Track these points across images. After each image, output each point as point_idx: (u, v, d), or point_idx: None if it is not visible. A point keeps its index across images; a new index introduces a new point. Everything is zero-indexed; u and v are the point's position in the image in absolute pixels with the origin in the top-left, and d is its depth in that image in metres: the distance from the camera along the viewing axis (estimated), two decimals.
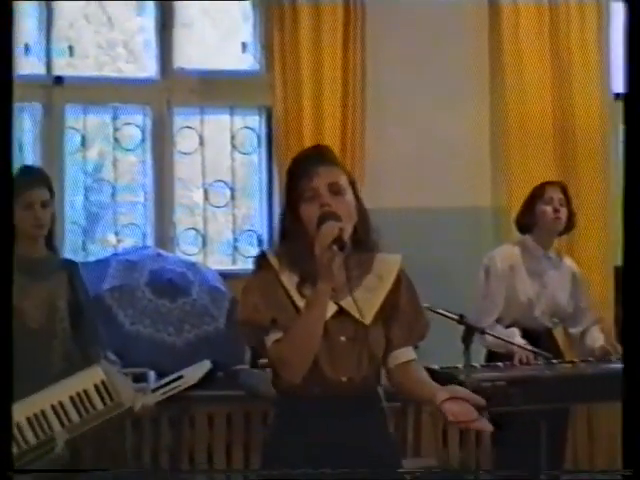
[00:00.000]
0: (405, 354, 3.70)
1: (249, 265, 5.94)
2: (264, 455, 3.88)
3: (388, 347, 3.71)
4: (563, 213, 6.32)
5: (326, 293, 3.48)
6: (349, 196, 3.61)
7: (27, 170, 5.71)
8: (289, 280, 3.63)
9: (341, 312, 3.60)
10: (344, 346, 3.63)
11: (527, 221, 6.37)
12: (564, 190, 6.40)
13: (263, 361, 5.40)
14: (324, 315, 3.50)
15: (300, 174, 3.64)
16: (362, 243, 3.65)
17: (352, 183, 3.69)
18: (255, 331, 3.64)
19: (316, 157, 3.72)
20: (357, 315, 3.60)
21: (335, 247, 3.38)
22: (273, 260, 3.67)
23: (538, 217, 6.29)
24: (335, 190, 3.56)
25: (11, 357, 3.33)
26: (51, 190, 5.52)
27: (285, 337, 3.52)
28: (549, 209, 6.27)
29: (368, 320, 3.62)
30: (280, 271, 3.64)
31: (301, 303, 3.57)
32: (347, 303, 3.58)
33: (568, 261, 6.64)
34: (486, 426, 3.52)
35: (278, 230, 3.77)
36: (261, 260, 3.74)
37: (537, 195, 6.37)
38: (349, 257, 3.54)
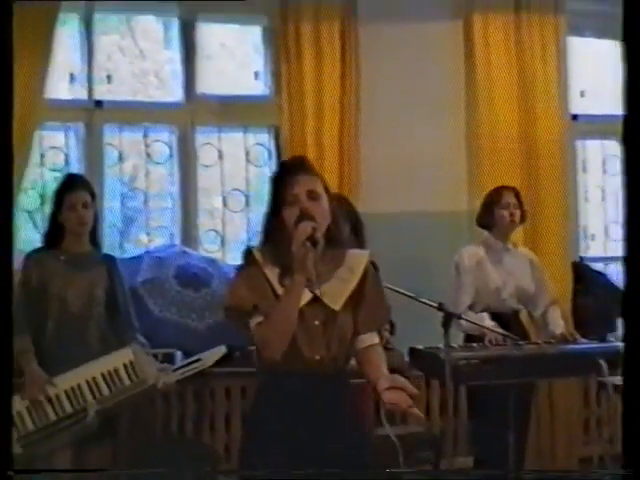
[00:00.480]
0: (369, 338, 3.79)
1: None
2: (249, 414, 4.03)
3: (355, 331, 3.77)
4: (517, 215, 6.45)
5: (301, 283, 3.58)
6: (324, 201, 3.71)
7: (70, 177, 5.84)
8: (271, 272, 3.71)
9: (315, 299, 3.65)
10: (317, 329, 3.69)
11: (487, 222, 6.47)
12: (517, 194, 6.51)
13: None
14: (299, 302, 3.59)
15: (283, 182, 3.73)
16: (335, 240, 3.75)
17: (326, 189, 3.78)
18: (239, 315, 3.70)
19: (296, 167, 3.81)
20: (328, 302, 3.68)
21: (308, 244, 3.49)
22: (258, 255, 3.76)
23: (497, 220, 6.39)
24: (313, 196, 3.67)
25: (11, 358, 3.18)
26: (92, 193, 5.62)
27: (266, 320, 3.61)
28: (506, 214, 6.40)
29: (338, 306, 3.72)
30: (263, 265, 3.73)
31: (281, 292, 3.64)
32: (320, 292, 3.64)
33: (525, 250, 6.77)
34: (418, 414, 3.68)
35: (263, 230, 3.84)
36: (248, 255, 3.81)
37: (495, 201, 6.46)
38: (325, 252, 3.66)
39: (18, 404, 5.39)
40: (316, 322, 3.69)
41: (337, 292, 3.75)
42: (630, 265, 3.20)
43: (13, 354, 3.27)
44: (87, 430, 5.50)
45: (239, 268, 3.87)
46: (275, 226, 3.74)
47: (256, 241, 3.92)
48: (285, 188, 3.71)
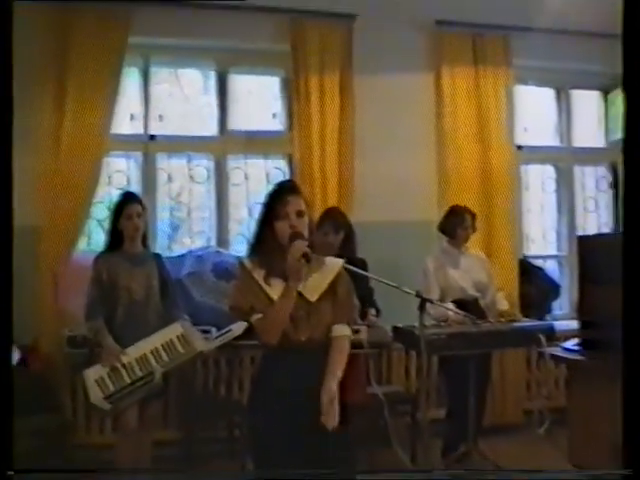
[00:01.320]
0: (339, 329, 3.79)
1: None
2: (256, 378, 4.01)
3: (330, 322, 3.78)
4: (471, 231, 6.53)
5: (295, 289, 3.61)
6: (306, 217, 3.71)
7: (127, 194, 5.89)
8: (259, 275, 3.70)
9: (299, 295, 3.65)
10: (302, 317, 3.70)
11: (449, 233, 6.50)
12: (473, 216, 6.58)
13: None
14: (292, 303, 3.61)
15: (276, 200, 3.73)
16: (315, 249, 3.70)
17: (307, 207, 3.78)
18: (240, 314, 3.74)
19: (288, 189, 3.81)
20: (307, 295, 3.71)
21: (303, 260, 3.53)
22: (247, 263, 3.76)
23: (457, 235, 6.43)
24: (299, 214, 3.68)
25: (11, 359, 3.06)
26: (143, 206, 5.66)
27: (265, 317, 3.63)
28: (464, 233, 6.50)
29: (314, 299, 3.74)
30: (252, 270, 3.72)
31: (268, 289, 3.67)
32: (302, 288, 3.67)
33: (476, 251, 6.80)
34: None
35: (254, 238, 3.82)
36: (240, 265, 3.83)
37: (458, 222, 6.51)
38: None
39: (100, 370, 5.47)
40: (300, 312, 3.69)
41: (314, 288, 3.75)
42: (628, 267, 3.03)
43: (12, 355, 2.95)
44: (154, 389, 5.56)
45: (235, 277, 3.97)
46: (265, 235, 3.73)
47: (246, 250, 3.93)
48: (278, 205, 3.70)
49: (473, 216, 6.53)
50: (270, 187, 3.90)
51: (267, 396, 3.78)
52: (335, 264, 3.85)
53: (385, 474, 3.75)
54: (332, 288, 3.81)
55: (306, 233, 3.67)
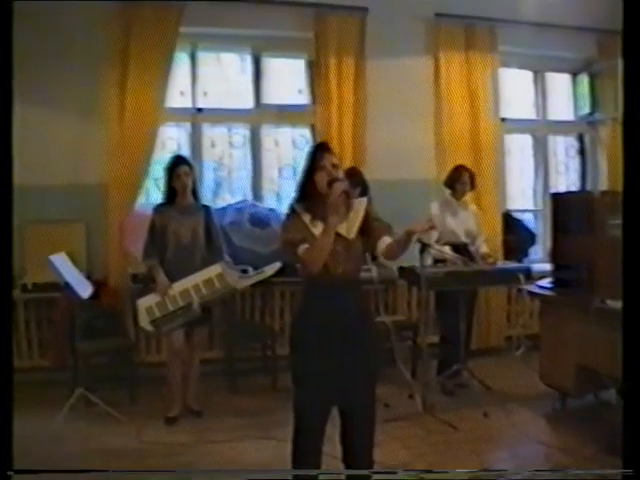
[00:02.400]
0: (386, 240, 3.79)
1: None
2: (300, 308, 3.94)
3: (374, 240, 3.83)
4: (468, 186, 6.50)
5: (336, 224, 3.64)
6: (341, 170, 3.77)
7: (176, 157, 5.88)
8: (306, 218, 3.75)
9: (337, 234, 3.68)
10: (340, 253, 3.72)
11: (450, 187, 6.46)
12: (470, 173, 6.55)
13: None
14: (333, 236, 3.62)
15: (315, 156, 3.78)
16: (347, 193, 3.73)
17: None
18: (291, 246, 3.71)
19: (324, 147, 3.86)
20: (346, 234, 3.76)
21: (344, 196, 3.64)
22: (297, 207, 3.80)
23: (456, 188, 6.37)
24: (334, 166, 3.72)
25: (11, 360, 2.80)
26: (190, 167, 5.70)
27: (310, 248, 3.64)
28: (461, 187, 6.46)
29: (351, 236, 3.77)
30: (300, 213, 3.77)
31: (313, 229, 3.71)
32: (341, 228, 3.72)
33: (472, 206, 6.73)
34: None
35: (298, 190, 3.84)
36: (291, 209, 3.85)
37: (455, 177, 6.50)
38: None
39: (150, 300, 5.61)
40: (338, 248, 3.71)
41: (350, 227, 3.80)
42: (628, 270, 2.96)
43: (12, 356, 2.86)
44: (193, 316, 5.62)
45: (286, 218, 3.91)
46: (308, 186, 3.77)
47: (293, 197, 3.96)
48: (317, 160, 3.76)
49: (471, 174, 6.53)
50: (299, 151, 3.96)
51: (308, 322, 3.82)
52: (362, 203, 3.88)
53: (386, 474, 3.75)
54: (365, 223, 3.84)
55: (343, 181, 3.71)
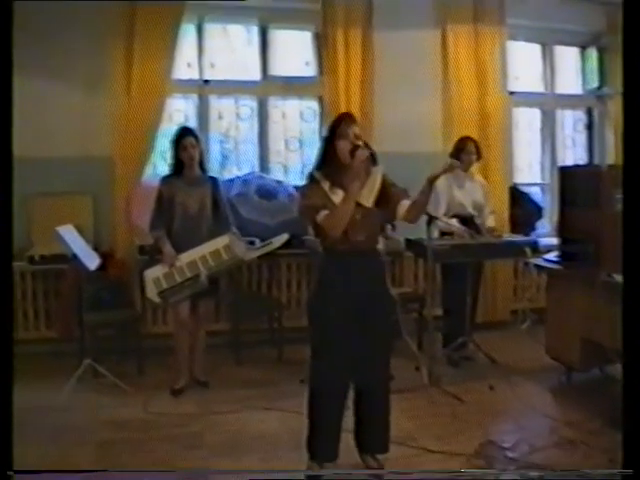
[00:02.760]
0: (405, 203, 3.89)
1: None
2: (319, 279, 3.99)
3: (394, 205, 3.91)
4: (474, 157, 6.43)
5: (358, 189, 3.76)
6: (362, 140, 3.82)
7: (183, 128, 5.84)
8: (325, 185, 3.83)
9: (357, 202, 3.77)
10: (358, 221, 3.80)
11: (456, 158, 6.37)
12: (476, 144, 6.47)
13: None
14: (354, 202, 3.73)
15: (340, 124, 3.85)
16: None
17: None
18: (311, 211, 3.79)
19: (348, 117, 3.93)
20: (364, 202, 3.83)
21: (368, 161, 3.75)
22: (317, 175, 3.88)
23: (462, 159, 6.28)
24: (357, 136, 3.80)
25: (11, 360, 2.76)
26: (197, 138, 5.66)
27: (331, 214, 3.72)
28: (467, 158, 6.35)
29: (369, 204, 3.86)
30: (320, 180, 3.85)
31: (332, 196, 3.80)
32: (360, 196, 3.81)
33: (479, 178, 6.68)
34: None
35: (319, 156, 3.92)
36: (310, 176, 3.93)
37: (461, 147, 6.42)
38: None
39: (157, 271, 5.60)
40: (357, 216, 3.80)
41: (367, 196, 3.88)
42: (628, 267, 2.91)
43: (12, 357, 2.82)
44: (200, 288, 5.61)
45: (307, 183, 3.97)
46: (329, 154, 3.85)
47: (308, 170, 3.99)
48: (341, 128, 3.84)
49: (476, 144, 6.46)
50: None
51: (327, 291, 3.89)
52: (378, 171, 3.94)
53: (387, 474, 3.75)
54: (383, 190, 3.92)
55: (366, 150, 3.77)
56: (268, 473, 3.84)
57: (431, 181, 3.80)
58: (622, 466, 2.77)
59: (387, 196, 3.92)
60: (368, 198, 3.88)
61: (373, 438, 4.16)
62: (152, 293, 5.59)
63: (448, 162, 3.92)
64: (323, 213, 3.75)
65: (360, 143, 3.77)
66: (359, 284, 3.86)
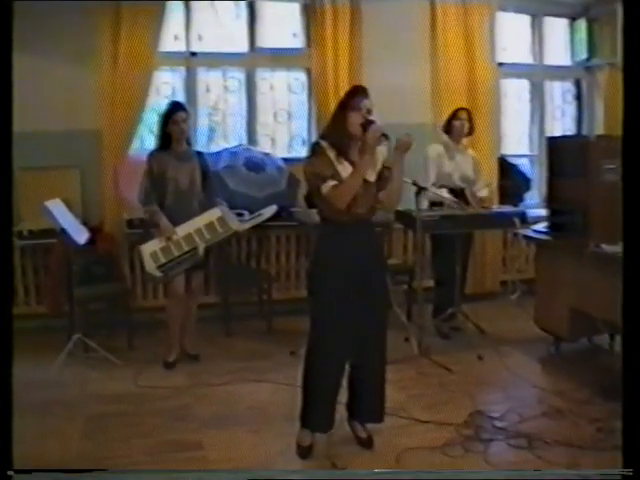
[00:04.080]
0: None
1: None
2: (318, 250, 4.03)
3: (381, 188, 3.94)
4: (466, 126, 6.36)
5: (370, 162, 3.79)
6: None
7: (175, 103, 5.77)
8: (331, 154, 3.80)
9: None
10: (360, 194, 3.81)
11: (447, 129, 6.38)
12: (468, 113, 6.40)
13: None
14: (364, 175, 3.79)
15: (354, 97, 3.86)
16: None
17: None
18: (317, 179, 3.78)
19: (362, 91, 3.91)
20: (368, 178, 3.86)
21: (382, 138, 3.75)
22: (323, 144, 3.85)
23: (453, 128, 6.29)
24: (369, 110, 3.82)
25: (11, 360, 2.72)
26: (187, 113, 5.61)
27: (339, 185, 3.75)
28: (459, 124, 6.30)
29: (373, 179, 3.89)
30: (326, 148, 3.82)
31: (338, 166, 3.79)
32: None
33: (471, 151, 6.61)
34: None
35: (328, 125, 3.95)
36: (316, 145, 3.89)
37: (454, 117, 6.37)
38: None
39: (153, 245, 5.55)
40: (360, 190, 3.81)
41: (372, 171, 3.91)
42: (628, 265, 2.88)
43: (12, 358, 2.77)
44: (197, 261, 5.63)
45: (312, 152, 3.93)
46: (339, 124, 3.84)
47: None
48: (354, 100, 3.84)
49: (469, 113, 6.42)
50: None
51: (327, 263, 3.90)
52: (382, 150, 3.95)
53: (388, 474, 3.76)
54: (381, 169, 3.96)
55: (381, 126, 3.77)
56: (268, 473, 3.84)
57: (389, 167, 3.89)
58: (622, 466, 2.76)
59: (382, 175, 3.96)
60: (372, 174, 3.90)
61: (369, 408, 4.17)
62: (151, 268, 5.52)
63: (398, 139, 3.89)
64: (330, 183, 3.75)
65: (372, 118, 3.77)
66: (358, 255, 3.88)
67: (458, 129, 6.33)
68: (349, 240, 3.87)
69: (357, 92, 3.89)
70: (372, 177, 3.90)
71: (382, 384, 4.16)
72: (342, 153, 3.82)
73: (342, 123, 3.82)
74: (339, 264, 3.85)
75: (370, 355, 4.08)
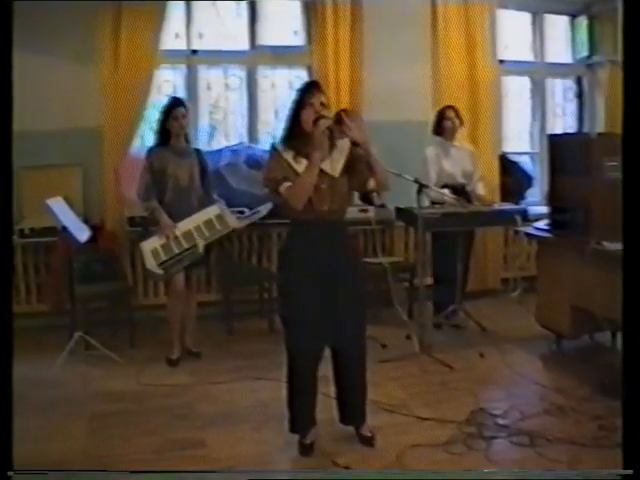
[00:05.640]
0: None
1: None
2: (284, 249, 4.08)
3: (365, 179, 3.89)
4: (456, 123, 6.40)
5: (319, 158, 3.71)
6: (328, 109, 3.83)
7: (174, 99, 5.79)
8: (288, 155, 3.80)
9: (322, 171, 3.74)
10: (324, 190, 3.79)
11: (438, 131, 6.44)
12: (455, 110, 6.44)
13: None
14: (316, 172, 3.70)
15: (304, 94, 3.82)
16: (332, 133, 3.81)
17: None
18: (273, 183, 3.78)
19: (313, 86, 3.88)
20: (330, 171, 3.82)
21: (327, 131, 3.71)
22: (279, 146, 3.87)
23: (446, 129, 6.34)
24: (322, 105, 3.76)
25: (11, 361, 2.68)
26: (187, 109, 5.63)
27: (294, 184, 3.71)
28: (449, 123, 6.36)
29: (337, 174, 3.84)
30: (282, 151, 3.83)
31: (296, 166, 3.77)
32: (325, 165, 3.79)
33: (466, 144, 6.67)
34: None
35: (285, 127, 3.89)
36: (272, 148, 3.94)
37: (441, 116, 6.41)
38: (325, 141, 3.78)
39: (154, 242, 5.56)
40: (323, 186, 3.79)
41: (334, 165, 3.85)
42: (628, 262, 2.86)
43: (12, 359, 2.73)
44: (197, 258, 5.64)
45: (268, 157, 3.98)
46: (294, 123, 3.82)
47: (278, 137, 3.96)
48: (305, 97, 3.80)
49: (456, 111, 6.43)
50: (295, 91, 3.94)
51: (294, 262, 3.87)
52: (345, 143, 3.88)
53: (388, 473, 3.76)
54: (351, 161, 3.88)
55: (329, 119, 3.74)
56: (268, 473, 3.84)
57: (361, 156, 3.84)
58: (623, 464, 2.73)
59: (355, 168, 3.88)
60: (334, 167, 3.85)
61: (350, 410, 4.17)
62: (152, 265, 5.53)
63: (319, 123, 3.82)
64: (286, 184, 3.73)
65: (325, 112, 3.74)
66: (324, 254, 3.82)
67: (450, 129, 6.38)
68: (315, 239, 3.82)
69: (308, 88, 3.86)
70: (335, 172, 3.85)
71: (363, 383, 4.12)
72: (301, 152, 3.78)
73: (296, 122, 3.80)
74: (304, 263, 3.82)
75: (347, 351, 4.05)
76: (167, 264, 5.52)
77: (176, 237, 5.54)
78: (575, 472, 3.62)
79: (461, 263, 6.26)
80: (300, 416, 4.06)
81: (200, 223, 5.62)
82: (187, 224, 5.59)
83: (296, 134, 3.80)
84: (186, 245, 5.55)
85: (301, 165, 3.76)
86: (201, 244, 5.55)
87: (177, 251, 5.53)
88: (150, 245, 5.55)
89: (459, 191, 6.24)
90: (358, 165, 3.86)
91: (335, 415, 4.20)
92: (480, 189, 6.52)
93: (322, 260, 3.82)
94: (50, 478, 3.34)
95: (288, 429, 4.10)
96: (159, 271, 5.54)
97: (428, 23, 7.47)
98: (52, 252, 6.46)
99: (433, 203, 6.07)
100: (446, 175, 6.32)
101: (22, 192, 6.39)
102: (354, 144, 3.82)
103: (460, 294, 6.36)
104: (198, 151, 5.86)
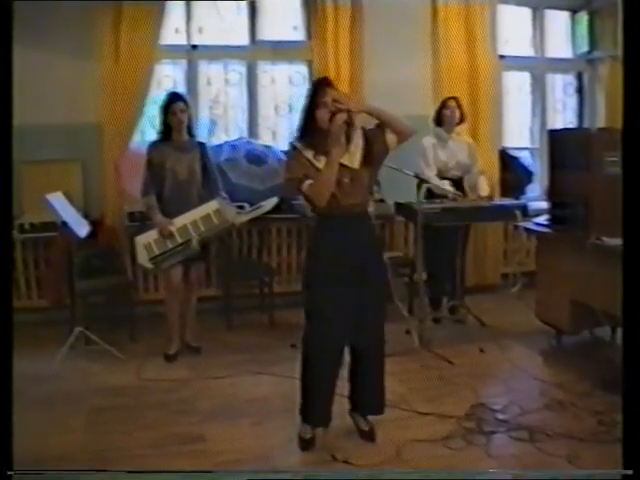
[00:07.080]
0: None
1: None
2: (312, 245, 4.03)
3: (384, 141, 3.88)
4: (456, 114, 6.37)
5: (339, 155, 3.72)
6: (341, 102, 3.73)
7: (173, 93, 5.78)
8: (308, 154, 3.80)
9: (343, 165, 3.75)
10: (347, 184, 3.80)
11: (438, 121, 6.41)
12: (457, 101, 6.42)
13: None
14: (336, 168, 3.71)
15: (317, 92, 3.81)
16: (348, 126, 3.77)
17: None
18: (295, 182, 3.78)
19: (325, 83, 3.86)
20: (350, 165, 3.82)
21: (345, 126, 3.70)
22: (298, 145, 3.84)
23: (445, 117, 6.33)
24: (336, 100, 3.72)
25: (11, 356, 2.66)
26: (186, 104, 5.61)
27: (315, 182, 3.71)
28: (448, 112, 6.35)
29: (356, 166, 3.84)
30: (302, 150, 3.81)
31: (317, 164, 3.76)
32: (344, 159, 3.79)
33: (465, 137, 6.63)
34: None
35: (300, 127, 3.88)
36: (292, 147, 3.90)
37: (443, 106, 6.39)
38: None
39: (148, 237, 5.57)
40: (345, 180, 3.80)
41: (353, 157, 3.85)
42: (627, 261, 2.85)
43: (12, 360, 2.70)
44: (191, 253, 5.61)
45: (288, 156, 3.97)
46: (309, 123, 3.82)
47: (294, 136, 3.95)
48: (318, 98, 3.79)
49: (458, 103, 6.42)
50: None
51: (324, 257, 3.88)
52: (359, 133, 3.89)
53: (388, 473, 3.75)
54: (368, 150, 3.88)
55: (344, 112, 3.71)
56: (268, 473, 3.84)
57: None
58: (622, 462, 2.72)
59: (372, 148, 3.88)
60: (353, 160, 3.85)
61: (369, 400, 4.17)
62: (143, 259, 5.55)
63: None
64: (307, 182, 3.73)
65: (341, 106, 3.70)
66: (353, 248, 3.85)
67: (449, 118, 6.35)
68: (343, 233, 3.84)
69: (320, 86, 3.85)
70: (356, 164, 3.85)
71: (381, 376, 4.15)
72: (320, 150, 3.78)
73: (312, 121, 3.80)
74: (333, 258, 3.83)
75: (368, 347, 4.07)
76: (159, 259, 5.53)
77: (170, 233, 5.53)
78: (575, 472, 3.62)
79: (460, 257, 6.26)
80: (317, 414, 4.05)
81: (197, 218, 5.60)
82: (184, 219, 5.59)
83: (313, 133, 3.81)
84: (180, 240, 5.55)
85: (321, 163, 3.77)
86: (195, 239, 5.55)
87: (171, 246, 5.53)
88: (144, 239, 5.56)
89: (457, 185, 6.23)
90: (374, 146, 3.88)
91: (337, 409, 4.18)
92: (484, 189, 6.47)
93: (352, 254, 3.86)
94: (50, 477, 3.34)
95: (301, 420, 4.08)
96: (149, 265, 5.57)
97: (429, 18, 7.46)
98: (52, 247, 6.46)
99: (431, 195, 6.04)
100: (440, 164, 6.32)
101: (22, 187, 6.38)
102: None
103: (460, 289, 6.36)
104: (202, 145, 5.82)
